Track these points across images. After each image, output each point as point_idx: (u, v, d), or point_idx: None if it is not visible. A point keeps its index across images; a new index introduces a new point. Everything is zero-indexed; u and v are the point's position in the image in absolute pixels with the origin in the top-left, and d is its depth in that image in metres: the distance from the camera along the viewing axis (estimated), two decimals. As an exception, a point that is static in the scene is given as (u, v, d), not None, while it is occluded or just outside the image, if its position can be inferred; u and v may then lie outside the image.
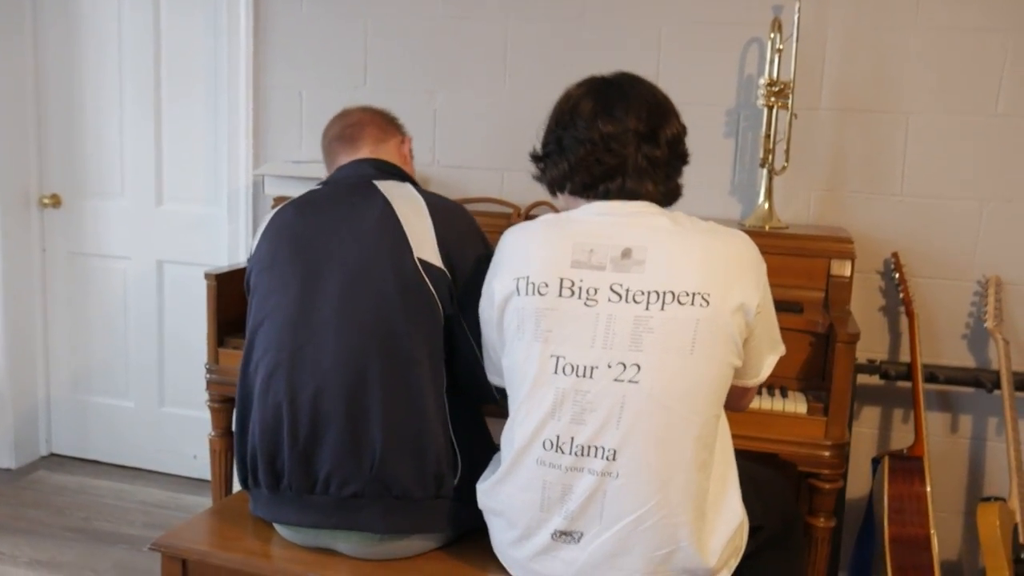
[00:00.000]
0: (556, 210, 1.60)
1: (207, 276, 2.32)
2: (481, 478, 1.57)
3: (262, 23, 2.85)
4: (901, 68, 2.35)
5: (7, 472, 3.22)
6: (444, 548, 1.67)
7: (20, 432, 3.27)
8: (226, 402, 2.38)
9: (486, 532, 1.58)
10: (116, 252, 3.20)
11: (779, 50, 2.28)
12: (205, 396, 2.40)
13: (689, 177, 1.55)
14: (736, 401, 1.54)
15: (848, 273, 2.17)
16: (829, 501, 1.97)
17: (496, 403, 1.67)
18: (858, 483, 2.44)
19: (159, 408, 3.24)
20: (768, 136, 2.31)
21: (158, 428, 3.24)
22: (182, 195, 3.10)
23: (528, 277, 1.43)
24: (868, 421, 2.49)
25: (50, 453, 3.38)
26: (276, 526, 1.72)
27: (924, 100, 2.35)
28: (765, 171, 2.34)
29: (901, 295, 2.30)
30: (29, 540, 2.73)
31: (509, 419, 1.48)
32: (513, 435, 1.45)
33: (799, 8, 2.27)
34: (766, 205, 2.34)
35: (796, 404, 1.95)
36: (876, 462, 2.27)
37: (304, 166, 2.73)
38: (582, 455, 1.38)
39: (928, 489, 2.14)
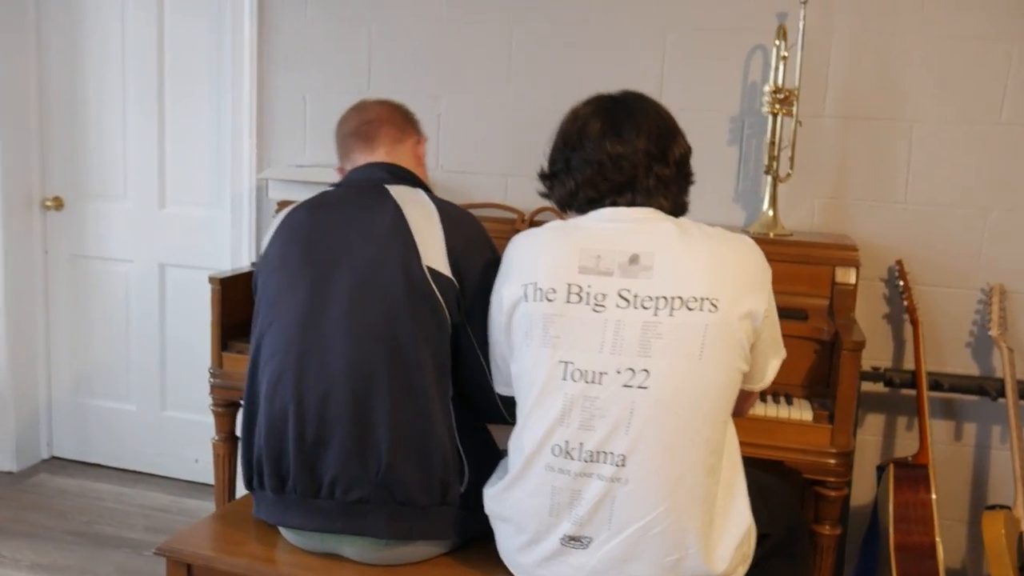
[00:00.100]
0: (562, 216, 1.61)
1: (211, 280, 2.32)
2: (488, 484, 1.57)
3: (266, 26, 2.85)
4: (905, 76, 2.36)
5: (8, 475, 3.21)
6: (450, 554, 1.67)
7: (21, 435, 3.26)
8: (230, 406, 2.38)
9: (492, 538, 1.58)
10: (118, 255, 3.20)
11: (784, 57, 2.28)
12: (208, 400, 2.39)
13: (693, 184, 1.56)
14: (739, 405, 1.55)
15: (853, 280, 2.17)
16: (834, 509, 1.97)
17: (501, 418, 1.67)
18: (862, 491, 2.44)
19: (161, 411, 3.23)
20: (773, 143, 2.31)
21: (160, 432, 3.23)
22: (185, 198, 3.10)
23: (536, 283, 1.43)
24: (872, 428, 2.49)
25: (51, 456, 3.38)
26: (281, 530, 1.72)
27: (928, 108, 2.36)
28: (769, 178, 2.34)
29: (905, 303, 2.30)
30: (30, 543, 2.72)
31: (517, 425, 1.48)
32: (522, 441, 1.45)
33: (804, 15, 2.27)
34: (770, 212, 2.34)
35: (801, 412, 1.96)
36: (881, 470, 2.27)
37: (308, 170, 2.73)
38: (591, 461, 1.38)
39: (933, 497, 2.14)
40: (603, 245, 1.42)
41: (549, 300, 1.41)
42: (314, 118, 2.85)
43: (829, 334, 2.06)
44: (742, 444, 1.52)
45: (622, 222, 1.45)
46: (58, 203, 3.21)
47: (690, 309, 1.37)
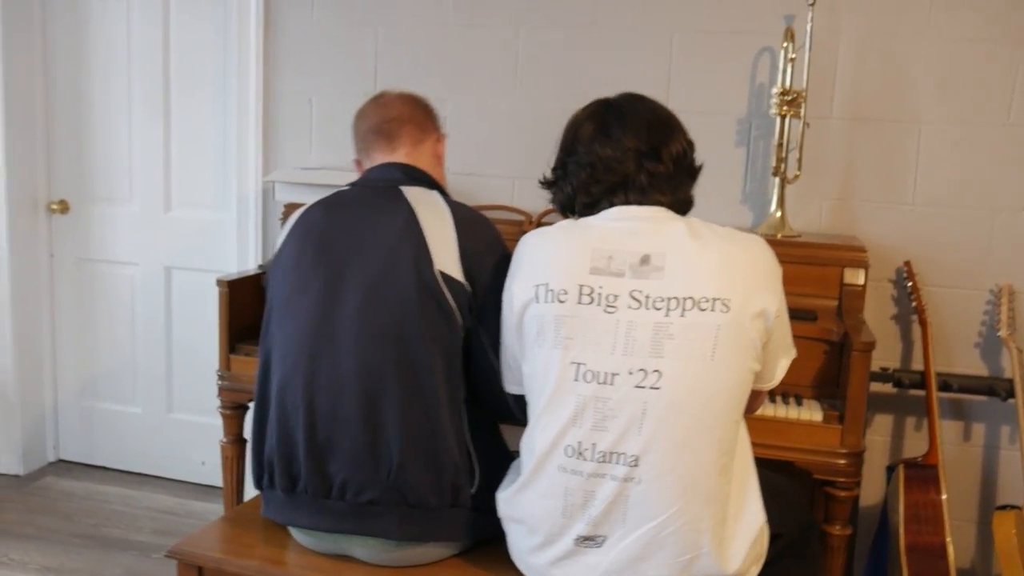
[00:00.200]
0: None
1: (219, 283, 2.32)
2: (501, 487, 1.57)
3: (272, 29, 2.85)
4: (913, 77, 2.36)
5: (15, 478, 3.21)
6: (461, 555, 1.67)
7: (28, 438, 3.26)
8: (238, 409, 2.38)
9: (503, 539, 1.58)
10: (124, 258, 3.20)
11: (792, 59, 2.28)
12: (216, 403, 2.40)
13: (700, 186, 1.56)
14: (748, 404, 1.54)
15: (861, 281, 2.17)
16: (845, 509, 1.97)
17: (512, 419, 1.67)
18: (870, 491, 2.43)
19: (167, 414, 3.23)
20: (780, 145, 2.31)
21: (166, 434, 3.23)
22: (191, 201, 3.10)
23: (547, 284, 1.43)
24: (880, 429, 2.48)
25: (58, 459, 3.38)
26: (292, 531, 1.72)
27: (936, 109, 2.36)
28: (777, 180, 2.34)
29: (914, 303, 2.30)
30: (38, 546, 2.72)
31: (529, 426, 1.48)
32: (534, 442, 1.45)
33: (812, 17, 2.27)
34: (778, 214, 2.34)
35: (811, 412, 1.95)
36: (891, 470, 2.27)
37: (314, 172, 2.73)
38: (604, 461, 1.38)
39: (944, 497, 2.14)
40: (614, 245, 1.42)
41: (561, 301, 1.41)
42: (320, 120, 2.85)
43: (838, 335, 2.06)
44: (752, 445, 1.51)
45: (632, 221, 1.45)
46: (64, 206, 3.21)
47: (702, 310, 1.37)
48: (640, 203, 1.47)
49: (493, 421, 1.73)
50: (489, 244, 1.66)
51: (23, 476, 3.23)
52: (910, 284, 2.31)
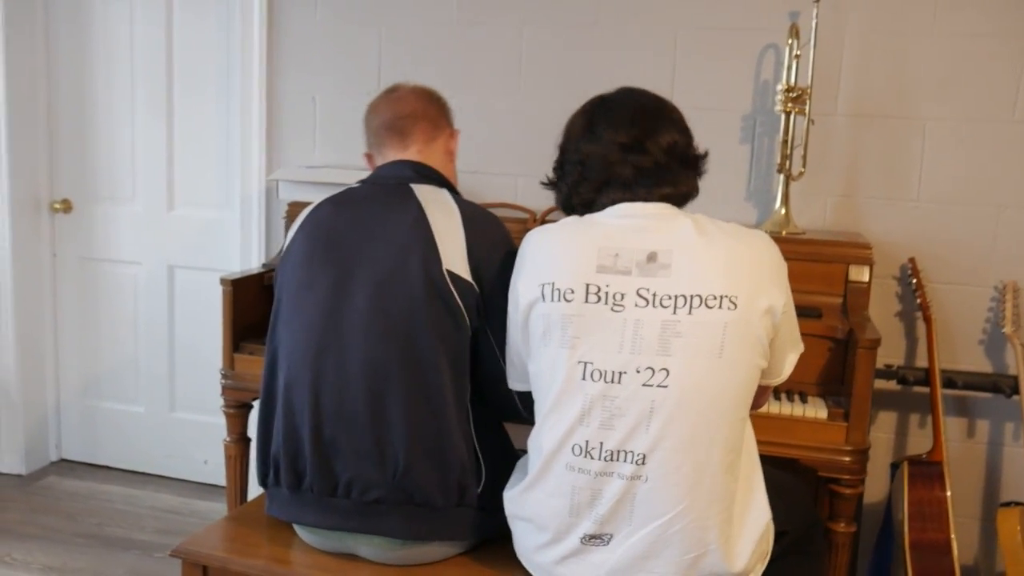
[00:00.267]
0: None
1: (223, 281, 2.32)
2: (507, 486, 1.56)
3: (275, 28, 2.85)
4: (918, 74, 2.36)
5: (17, 478, 3.21)
6: (467, 553, 1.66)
7: (30, 438, 3.26)
8: (242, 407, 2.38)
9: (509, 537, 1.57)
10: (127, 257, 3.20)
11: (797, 56, 2.28)
12: (217, 402, 2.39)
13: (704, 183, 1.54)
14: (755, 399, 1.54)
15: (866, 278, 2.16)
16: (849, 506, 1.96)
17: (518, 418, 1.67)
18: (874, 488, 2.43)
19: (169, 413, 3.23)
20: (785, 142, 2.31)
21: (168, 433, 3.23)
22: (194, 200, 3.10)
23: (553, 283, 1.42)
24: (884, 426, 2.48)
25: (60, 459, 3.37)
26: (297, 529, 1.72)
27: (941, 106, 2.35)
28: (782, 177, 2.34)
29: (918, 300, 2.29)
30: (41, 546, 2.72)
31: (536, 425, 1.47)
32: (541, 441, 1.45)
33: (816, 14, 2.27)
34: (783, 211, 2.34)
35: (816, 410, 1.95)
36: (895, 467, 2.27)
37: (318, 171, 2.72)
38: (611, 460, 1.38)
39: (948, 494, 2.14)
40: (620, 243, 1.41)
41: (567, 300, 1.41)
42: (324, 119, 2.85)
43: (843, 332, 2.06)
44: (756, 442, 1.51)
45: (637, 218, 1.44)
46: (66, 205, 3.21)
47: (709, 307, 1.37)
48: (646, 199, 1.46)
49: (500, 420, 1.73)
50: (497, 243, 1.65)
51: (25, 476, 3.22)
52: (914, 281, 2.31)
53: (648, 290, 1.38)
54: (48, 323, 3.28)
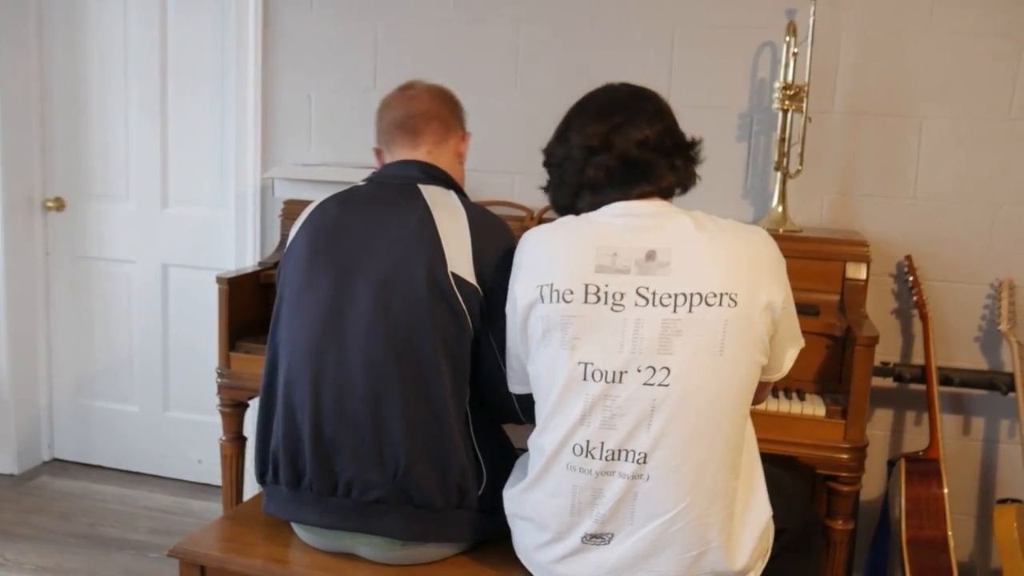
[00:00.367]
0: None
1: (219, 280, 2.30)
2: (507, 485, 1.56)
3: (271, 25, 2.84)
4: (915, 72, 2.36)
5: (10, 478, 3.19)
6: (466, 553, 1.66)
7: (23, 437, 3.24)
8: (237, 406, 2.37)
9: (508, 537, 1.57)
10: (121, 256, 3.18)
11: (794, 54, 2.28)
12: (212, 401, 2.38)
13: (702, 180, 1.54)
14: (755, 395, 1.54)
15: (864, 276, 2.17)
16: (847, 504, 1.97)
17: (517, 422, 1.66)
18: (871, 485, 2.44)
19: (163, 413, 3.21)
20: (782, 139, 2.31)
21: (162, 433, 3.21)
22: (188, 198, 3.08)
23: (552, 284, 1.42)
24: (881, 423, 2.49)
25: (53, 458, 3.35)
26: (296, 529, 1.71)
27: (938, 104, 2.36)
28: (779, 174, 2.34)
29: (915, 298, 2.30)
30: (34, 546, 2.70)
31: (537, 427, 1.47)
32: (542, 442, 1.44)
33: (814, 12, 2.27)
34: (780, 208, 2.34)
35: (814, 407, 1.95)
36: (892, 464, 2.27)
37: (315, 169, 2.71)
38: (613, 459, 1.37)
39: (945, 491, 2.14)
40: (618, 242, 1.41)
41: (567, 301, 1.40)
42: (320, 117, 2.84)
43: (840, 329, 2.06)
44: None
45: (635, 216, 1.44)
46: (59, 204, 3.19)
47: (709, 305, 1.36)
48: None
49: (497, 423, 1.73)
50: (503, 247, 1.63)
51: (18, 475, 3.20)
52: (911, 279, 2.31)
53: (648, 289, 1.38)
54: (41, 322, 3.25)
